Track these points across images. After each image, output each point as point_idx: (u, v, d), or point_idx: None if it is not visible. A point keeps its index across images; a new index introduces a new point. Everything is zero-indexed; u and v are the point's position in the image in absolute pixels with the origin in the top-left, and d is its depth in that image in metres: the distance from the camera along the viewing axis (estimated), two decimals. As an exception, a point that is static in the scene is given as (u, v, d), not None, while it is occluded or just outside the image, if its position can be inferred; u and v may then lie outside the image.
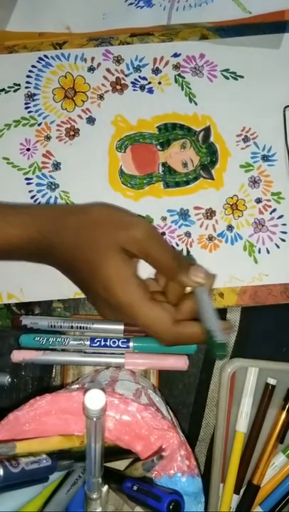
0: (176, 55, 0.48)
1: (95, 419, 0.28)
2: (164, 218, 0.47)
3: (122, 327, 0.42)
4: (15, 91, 0.47)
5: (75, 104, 0.48)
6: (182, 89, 0.48)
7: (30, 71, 0.48)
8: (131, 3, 0.48)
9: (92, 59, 0.48)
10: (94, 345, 0.42)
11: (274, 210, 0.47)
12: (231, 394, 0.45)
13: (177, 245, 0.46)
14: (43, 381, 0.46)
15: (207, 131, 0.48)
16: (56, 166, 0.47)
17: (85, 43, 0.48)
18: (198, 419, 0.47)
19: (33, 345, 0.42)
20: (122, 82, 0.48)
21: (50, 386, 0.46)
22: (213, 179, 0.47)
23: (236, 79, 0.48)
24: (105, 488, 0.32)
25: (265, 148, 0.47)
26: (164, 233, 0.46)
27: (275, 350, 0.46)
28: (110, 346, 0.42)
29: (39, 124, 0.47)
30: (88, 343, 0.42)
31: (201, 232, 0.46)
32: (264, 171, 0.47)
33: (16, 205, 0.44)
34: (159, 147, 0.47)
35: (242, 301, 0.46)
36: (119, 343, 0.42)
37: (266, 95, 0.48)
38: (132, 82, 0.48)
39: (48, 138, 0.47)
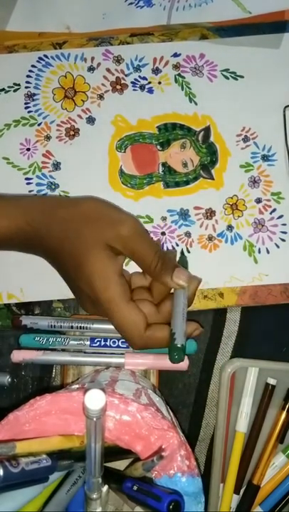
0: (176, 55, 0.48)
1: (95, 419, 0.28)
2: (164, 218, 0.47)
3: (122, 327, 0.42)
4: (15, 91, 0.47)
5: (75, 104, 0.48)
6: (182, 89, 0.48)
7: (30, 71, 0.48)
8: (131, 3, 0.48)
9: (92, 59, 0.48)
10: (94, 345, 0.42)
11: (274, 210, 0.47)
12: (231, 394, 0.45)
13: (177, 245, 0.46)
14: (43, 381, 0.46)
15: (207, 131, 0.48)
16: (56, 165, 0.47)
17: (85, 42, 0.48)
18: (198, 419, 0.47)
19: (33, 345, 0.42)
20: (122, 81, 0.48)
21: (50, 386, 0.46)
22: (213, 179, 0.47)
23: (236, 79, 0.48)
24: (105, 488, 0.32)
25: (265, 148, 0.47)
26: (164, 233, 0.46)
27: (275, 350, 0.46)
28: (110, 346, 0.42)
29: (39, 124, 0.47)
30: (88, 343, 0.42)
31: (201, 232, 0.46)
32: (264, 170, 0.47)
33: (5, 195, 0.44)
34: (159, 147, 0.47)
35: (242, 301, 0.46)
36: (119, 343, 0.42)
37: (266, 95, 0.48)
38: (132, 82, 0.48)
39: (48, 138, 0.47)
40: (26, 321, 0.42)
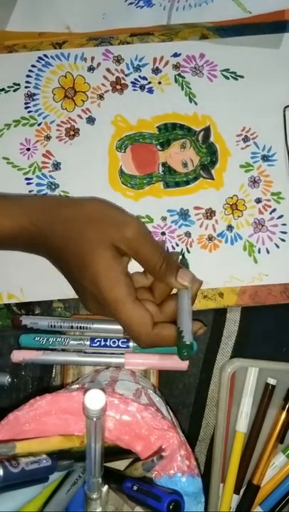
0: (176, 55, 0.48)
1: (95, 419, 0.28)
2: (164, 218, 0.47)
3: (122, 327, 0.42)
4: (15, 91, 0.47)
5: (75, 103, 0.48)
6: (182, 89, 0.48)
7: (30, 71, 0.48)
8: (131, 3, 0.48)
9: (92, 59, 0.48)
10: (94, 345, 0.42)
11: (274, 210, 0.47)
12: (231, 394, 0.45)
13: (177, 245, 0.46)
14: (43, 381, 0.46)
15: (207, 131, 0.48)
16: (56, 165, 0.47)
17: (85, 42, 0.48)
18: (198, 419, 0.47)
19: (33, 345, 0.42)
20: (122, 81, 0.48)
21: (50, 386, 0.46)
22: (213, 179, 0.47)
23: (236, 79, 0.48)
24: (105, 488, 0.32)
25: (265, 148, 0.47)
26: (164, 233, 0.46)
27: (275, 350, 0.46)
28: (110, 346, 0.42)
29: (39, 124, 0.47)
30: (88, 343, 0.42)
31: (201, 232, 0.46)
32: (264, 170, 0.47)
33: (8, 195, 0.44)
34: (159, 147, 0.47)
35: (242, 301, 0.46)
36: (119, 343, 0.42)
37: (266, 95, 0.48)
38: (132, 82, 0.48)
39: (48, 138, 0.47)
40: (26, 321, 0.42)
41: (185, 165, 0.47)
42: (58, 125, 0.47)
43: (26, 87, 0.47)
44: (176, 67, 0.48)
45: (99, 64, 0.48)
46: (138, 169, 0.47)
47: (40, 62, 0.48)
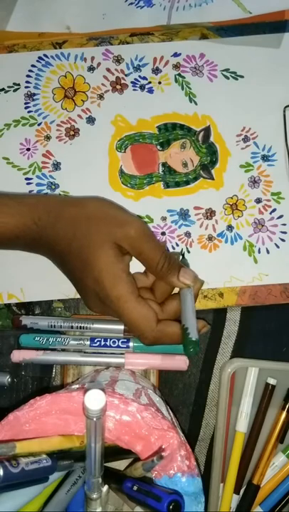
0: (176, 55, 0.48)
1: (95, 419, 0.28)
2: (164, 218, 0.47)
3: (122, 327, 0.42)
4: (14, 91, 0.47)
5: (75, 103, 0.48)
6: (182, 89, 0.48)
7: (30, 70, 0.48)
8: (131, 3, 0.48)
9: (92, 58, 0.48)
10: (94, 345, 0.42)
11: (274, 210, 0.47)
12: (231, 394, 0.45)
13: (177, 245, 0.46)
14: (43, 381, 0.46)
15: (207, 131, 0.48)
16: (56, 165, 0.47)
17: (85, 42, 0.48)
18: (198, 419, 0.47)
19: (33, 345, 0.42)
20: (122, 81, 0.48)
21: (50, 386, 0.46)
22: (213, 179, 0.47)
23: (236, 79, 0.48)
24: (105, 488, 0.32)
25: (265, 148, 0.47)
26: (164, 233, 0.46)
27: (275, 350, 0.46)
28: (110, 346, 0.42)
29: (39, 124, 0.47)
30: (88, 343, 0.42)
31: (201, 232, 0.46)
32: (264, 171, 0.47)
33: (11, 194, 0.44)
34: (159, 147, 0.47)
35: (242, 301, 0.46)
36: (119, 343, 0.42)
37: (266, 95, 0.48)
38: (131, 82, 0.48)
39: (47, 138, 0.47)
40: (26, 321, 0.42)
41: (185, 165, 0.47)
42: (57, 125, 0.47)
43: (26, 87, 0.47)
44: (176, 67, 0.48)
45: (99, 64, 0.48)
46: (138, 169, 0.47)
47: (40, 62, 0.48)
